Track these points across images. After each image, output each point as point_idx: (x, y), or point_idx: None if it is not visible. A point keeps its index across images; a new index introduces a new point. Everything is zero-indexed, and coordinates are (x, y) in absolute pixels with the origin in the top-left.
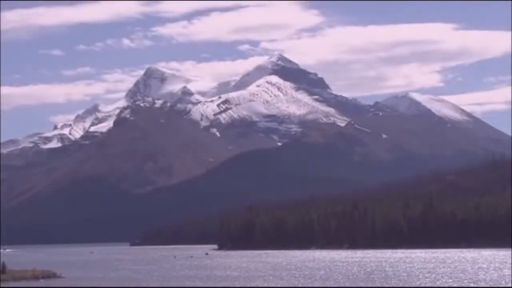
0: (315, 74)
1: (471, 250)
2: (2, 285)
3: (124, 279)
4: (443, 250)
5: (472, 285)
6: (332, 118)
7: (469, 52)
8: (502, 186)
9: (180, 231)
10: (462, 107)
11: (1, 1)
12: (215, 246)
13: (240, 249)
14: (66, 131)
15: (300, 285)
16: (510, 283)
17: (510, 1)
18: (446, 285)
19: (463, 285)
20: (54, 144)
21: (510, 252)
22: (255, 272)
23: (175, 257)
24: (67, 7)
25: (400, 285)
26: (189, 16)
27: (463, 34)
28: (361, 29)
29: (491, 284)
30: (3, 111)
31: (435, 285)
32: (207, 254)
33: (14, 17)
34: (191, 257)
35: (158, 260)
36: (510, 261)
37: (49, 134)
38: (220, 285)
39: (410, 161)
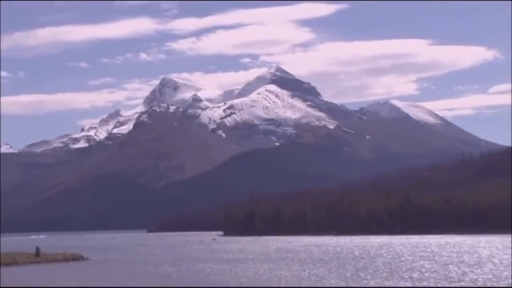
0: (308, 83)
1: (443, 236)
2: (37, 267)
3: (142, 261)
4: (418, 236)
5: (437, 266)
6: (322, 122)
7: (441, 64)
8: (470, 181)
9: (191, 220)
10: (436, 112)
11: (35, 20)
12: (221, 233)
13: (242, 235)
14: (92, 133)
15: (297, 267)
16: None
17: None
18: (420, 265)
19: (432, 263)
20: (81, 144)
21: (476, 238)
22: (257, 255)
23: (186, 242)
24: (92, 25)
25: (383, 264)
26: (198, 33)
27: (436, 49)
28: (347, 44)
29: (449, 261)
30: (37, 115)
31: (412, 264)
32: (214, 239)
33: (46, 34)
34: (201, 242)
35: (172, 245)
36: (475, 245)
37: (77, 136)
38: (227, 267)
39: (390, 159)
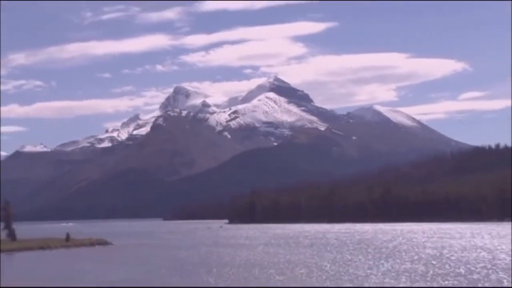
0: (302, 91)
1: (420, 224)
2: (67, 251)
3: (160, 245)
4: (398, 224)
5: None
6: (314, 124)
7: (417, 75)
8: (443, 176)
9: (200, 209)
10: (412, 116)
11: (66, 36)
12: (226, 221)
13: (245, 223)
14: (115, 134)
15: (295, 250)
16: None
17: (510, 1)
18: (407, 254)
19: (407, 244)
20: (106, 144)
21: (449, 225)
22: (259, 240)
23: (197, 228)
24: (114, 41)
25: (367, 247)
26: (206, 48)
27: (412, 61)
28: (336, 57)
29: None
30: (67, 119)
31: (392, 247)
32: (221, 227)
33: (75, 48)
34: (209, 228)
35: (185, 231)
36: (447, 231)
37: (102, 137)
38: (231, 251)
39: (373, 157)
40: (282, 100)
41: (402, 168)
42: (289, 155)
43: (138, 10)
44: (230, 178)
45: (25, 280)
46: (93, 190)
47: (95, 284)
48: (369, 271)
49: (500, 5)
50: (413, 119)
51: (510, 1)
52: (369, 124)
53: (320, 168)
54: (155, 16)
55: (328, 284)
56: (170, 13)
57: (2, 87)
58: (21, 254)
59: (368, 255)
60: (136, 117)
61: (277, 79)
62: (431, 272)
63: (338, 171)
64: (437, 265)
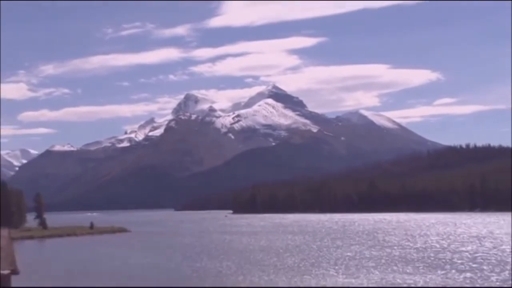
0: (297, 98)
1: (400, 214)
2: (91, 237)
3: (172, 232)
4: (381, 214)
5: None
6: (308, 127)
7: (397, 83)
8: (420, 171)
9: (207, 201)
10: (393, 119)
11: (89, 50)
12: (230, 211)
13: (247, 213)
14: (133, 135)
15: (290, 237)
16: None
17: (510, 1)
18: (389, 238)
19: (391, 229)
20: (125, 144)
21: (424, 215)
22: (260, 228)
23: (205, 218)
24: (132, 54)
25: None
26: (212, 60)
27: (393, 71)
28: (326, 68)
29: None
30: (91, 122)
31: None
32: (226, 216)
33: (97, 60)
34: (215, 218)
35: (194, 220)
36: (423, 221)
37: (121, 137)
38: (236, 237)
39: (359, 155)
40: (279, 105)
41: (384, 165)
42: (286, 153)
43: (153, 26)
44: (234, 174)
45: (55, 263)
46: (113, 184)
47: (116, 266)
48: (349, 254)
49: (468, 23)
50: (394, 122)
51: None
52: (355, 127)
53: (313, 165)
54: (167, 32)
55: (322, 268)
56: (181, 29)
57: (34, 94)
58: (51, 240)
59: (352, 241)
60: (151, 121)
61: (274, 87)
62: (409, 257)
63: (328, 168)
64: (413, 250)
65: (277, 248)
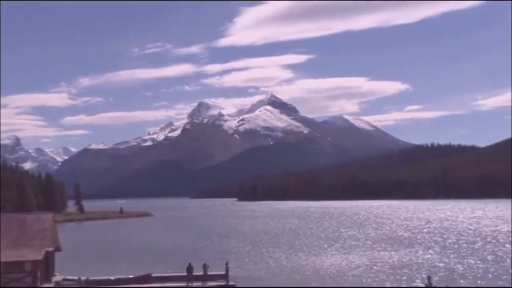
0: (291, 105)
1: (377, 201)
2: (121, 220)
3: (188, 216)
4: (361, 201)
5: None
6: (300, 129)
7: (374, 93)
8: (393, 166)
9: (217, 190)
10: (371, 122)
11: (119, 65)
12: (236, 199)
13: (250, 200)
14: (155, 136)
15: (287, 220)
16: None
17: (510, 1)
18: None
19: (371, 214)
20: (148, 143)
21: (397, 202)
22: (261, 213)
23: (214, 205)
24: (154, 68)
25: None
26: (220, 73)
27: (370, 83)
28: (315, 80)
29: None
30: (120, 125)
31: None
32: (232, 203)
33: (126, 74)
34: (223, 205)
35: (206, 206)
36: (399, 208)
37: (145, 138)
38: (241, 221)
39: (343, 152)
40: (276, 111)
41: (363, 160)
42: (282, 151)
43: (171, 46)
44: (239, 168)
45: (91, 241)
46: (139, 176)
47: (141, 244)
48: (336, 234)
49: (432, 44)
50: (371, 125)
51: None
52: (339, 129)
53: (304, 160)
54: (183, 50)
55: (314, 246)
56: (194, 48)
57: (74, 102)
58: (88, 222)
59: (339, 223)
60: (170, 124)
61: (272, 96)
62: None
63: (317, 163)
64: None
65: (276, 230)
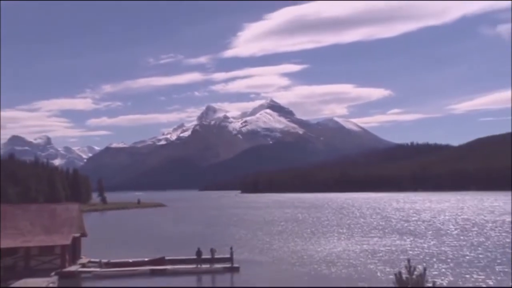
0: (288, 108)
1: (364, 193)
2: (138, 210)
3: (197, 206)
4: (350, 193)
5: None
6: (296, 130)
7: (361, 98)
8: (377, 162)
9: (222, 184)
10: (358, 124)
11: (136, 74)
12: (239, 191)
13: (252, 193)
14: (168, 136)
15: (287, 210)
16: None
17: (510, 1)
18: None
19: (361, 203)
20: (162, 142)
21: (382, 194)
22: (262, 204)
23: (221, 196)
24: (167, 77)
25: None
26: (226, 81)
27: (358, 90)
28: (308, 87)
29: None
30: (138, 125)
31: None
32: (236, 195)
33: (143, 81)
34: (228, 196)
35: (213, 198)
36: (386, 199)
37: (160, 137)
38: (245, 211)
39: (334, 151)
40: (275, 114)
41: (352, 157)
42: (280, 149)
43: (182, 57)
44: (242, 164)
45: (112, 228)
46: (154, 171)
47: (157, 231)
48: (328, 222)
49: (411, 55)
50: (358, 126)
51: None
52: (331, 129)
53: (300, 158)
54: (193, 61)
55: (311, 233)
56: (203, 59)
57: (97, 106)
58: (110, 212)
59: (331, 213)
60: (181, 125)
61: (272, 100)
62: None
63: (311, 159)
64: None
65: (276, 219)
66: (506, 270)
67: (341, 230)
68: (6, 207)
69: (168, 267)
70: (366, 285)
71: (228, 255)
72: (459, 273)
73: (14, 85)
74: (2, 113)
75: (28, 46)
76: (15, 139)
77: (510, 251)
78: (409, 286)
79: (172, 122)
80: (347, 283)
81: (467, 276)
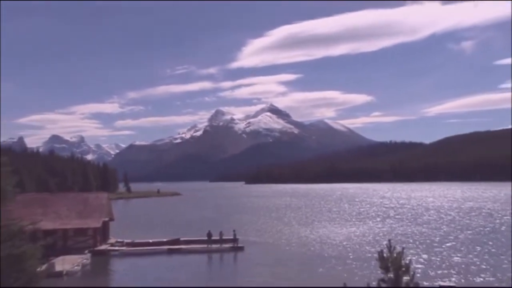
0: (285, 111)
1: (350, 184)
2: (158, 198)
3: (209, 195)
4: (338, 184)
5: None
6: (292, 130)
7: (346, 103)
8: (362, 157)
9: (229, 176)
10: (345, 125)
11: (155, 82)
12: (244, 182)
13: (254, 183)
14: (183, 135)
15: (286, 198)
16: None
17: (510, 1)
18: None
19: (354, 192)
20: (178, 140)
21: (367, 185)
22: (264, 193)
23: (228, 187)
24: (181, 84)
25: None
26: (232, 88)
27: (344, 96)
28: (302, 93)
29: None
30: (157, 126)
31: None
32: (241, 186)
33: (161, 89)
34: (235, 187)
35: (222, 188)
36: (374, 190)
37: (176, 136)
38: (249, 199)
39: (325, 148)
40: (274, 116)
41: (340, 153)
42: (278, 146)
43: (195, 68)
44: (246, 159)
45: (136, 213)
46: (171, 165)
47: (173, 216)
48: (318, 209)
49: (389, 65)
50: (345, 127)
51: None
52: (321, 130)
53: (296, 154)
54: (204, 71)
55: (309, 219)
56: (212, 70)
57: (123, 110)
58: (134, 200)
59: (323, 200)
60: (194, 126)
61: (271, 105)
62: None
63: (305, 155)
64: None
65: (276, 205)
66: (465, 246)
67: (331, 216)
68: (47, 195)
69: (183, 246)
70: (353, 263)
71: (234, 237)
72: (432, 251)
73: (54, 93)
74: (44, 116)
75: (66, 60)
76: (54, 138)
77: (467, 229)
78: (389, 262)
79: (187, 123)
80: (337, 260)
81: (437, 250)
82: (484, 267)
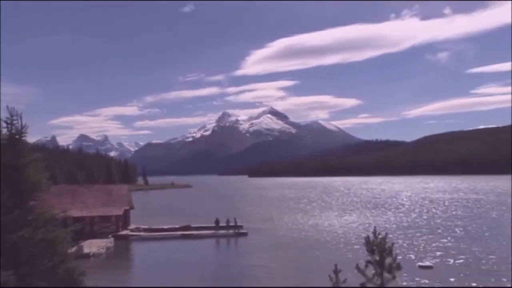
0: (284, 113)
1: (341, 177)
2: (172, 190)
3: (217, 187)
4: (331, 177)
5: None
6: (290, 130)
7: (337, 106)
8: (351, 154)
9: (235, 170)
10: (337, 125)
11: (169, 88)
12: (247, 176)
13: (257, 177)
14: (194, 134)
15: (288, 190)
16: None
17: (510, 1)
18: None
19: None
20: (190, 139)
21: (354, 178)
22: (266, 186)
23: (234, 180)
24: (192, 90)
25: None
26: (236, 93)
27: (336, 100)
28: (298, 98)
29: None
30: (171, 127)
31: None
32: (245, 179)
33: (174, 94)
34: (240, 180)
35: (228, 181)
36: (369, 184)
37: (187, 135)
38: (252, 190)
39: (319, 146)
40: (274, 118)
41: (332, 151)
42: (278, 145)
43: (204, 75)
44: (249, 155)
45: (153, 203)
46: (183, 161)
47: (185, 205)
48: (313, 199)
49: (375, 73)
50: (336, 127)
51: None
52: (316, 130)
53: (293, 151)
54: (212, 78)
55: (309, 207)
56: (219, 77)
57: (141, 112)
58: (151, 191)
59: (319, 192)
60: (204, 126)
61: (272, 108)
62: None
63: (301, 153)
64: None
65: (276, 197)
66: (441, 231)
67: (325, 205)
68: (75, 187)
69: (194, 232)
70: (345, 247)
71: (239, 224)
72: (414, 236)
73: (82, 98)
74: (73, 118)
75: (93, 69)
76: (82, 137)
77: (441, 217)
78: (374, 246)
79: (197, 124)
80: (331, 245)
81: (418, 235)
82: (456, 250)
